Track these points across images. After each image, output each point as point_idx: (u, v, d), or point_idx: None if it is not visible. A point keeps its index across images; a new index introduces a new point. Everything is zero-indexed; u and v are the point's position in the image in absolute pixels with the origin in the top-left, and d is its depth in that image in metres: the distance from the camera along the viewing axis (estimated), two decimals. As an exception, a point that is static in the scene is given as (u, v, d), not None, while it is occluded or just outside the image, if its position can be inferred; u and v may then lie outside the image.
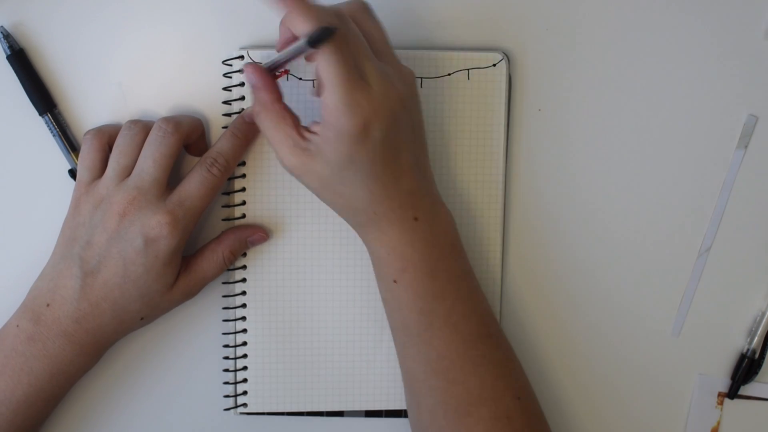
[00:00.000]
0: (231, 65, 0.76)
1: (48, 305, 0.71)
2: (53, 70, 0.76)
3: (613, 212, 0.80)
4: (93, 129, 0.75)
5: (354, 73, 0.65)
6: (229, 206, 0.77)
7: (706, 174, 0.80)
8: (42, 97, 0.76)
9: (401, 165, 0.69)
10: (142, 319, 0.73)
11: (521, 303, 0.81)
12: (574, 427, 0.83)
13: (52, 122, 0.76)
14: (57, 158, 0.77)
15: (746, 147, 0.80)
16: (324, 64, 0.64)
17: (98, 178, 0.73)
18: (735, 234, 0.81)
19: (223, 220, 0.77)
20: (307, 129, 0.68)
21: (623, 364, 0.82)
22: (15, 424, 0.71)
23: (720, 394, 0.83)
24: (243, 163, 0.77)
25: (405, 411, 0.80)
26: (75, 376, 0.73)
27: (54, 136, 0.76)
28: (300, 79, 0.76)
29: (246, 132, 0.75)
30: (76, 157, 0.76)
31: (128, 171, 0.72)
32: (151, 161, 0.71)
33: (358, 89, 0.65)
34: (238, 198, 0.77)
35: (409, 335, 0.71)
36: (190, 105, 0.77)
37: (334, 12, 0.65)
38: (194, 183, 0.72)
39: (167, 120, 0.72)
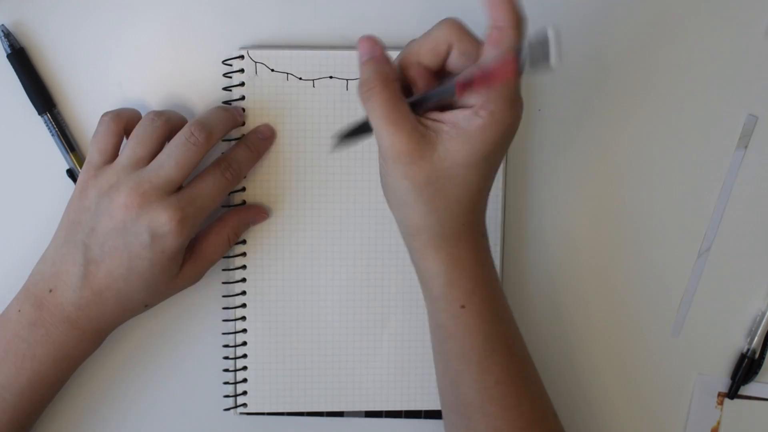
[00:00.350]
0: (231, 65, 0.76)
1: (51, 291, 0.70)
2: (53, 70, 0.76)
3: (613, 212, 0.80)
4: (111, 111, 0.73)
5: None
6: (229, 206, 0.77)
7: (706, 174, 0.80)
8: (41, 96, 0.76)
9: (492, 181, 0.66)
10: (146, 306, 0.73)
11: (520, 302, 0.81)
12: (575, 427, 0.83)
13: (51, 122, 0.76)
14: (55, 158, 0.77)
15: (746, 147, 0.80)
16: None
17: (109, 163, 0.71)
18: (735, 234, 0.81)
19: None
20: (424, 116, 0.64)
21: (623, 364, 0.82)
22: (19, 408, 0.71)
23: (720, 394, 0.83)
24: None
25: (404, 412, 0.80)
26: (78, 361, 0.72)
27: (53, 135, 0.76)
28: (300, 79, 0.76)
29: (259, 147, 0.75)
30: (75, 157, 0.76)
31: (143, 162, 0.70)
32: (173, 162, 0.69)
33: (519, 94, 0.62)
34: (237, 198, 0.77)
35: (469, 363, 0.68)
36: (190, 105, 0.77)
37: None
38: (207, 184, 0.71)
39: (201, 128, 0.70)
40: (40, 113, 0.76)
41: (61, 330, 0.70)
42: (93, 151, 0.72)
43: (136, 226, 0.68)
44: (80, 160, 0.77)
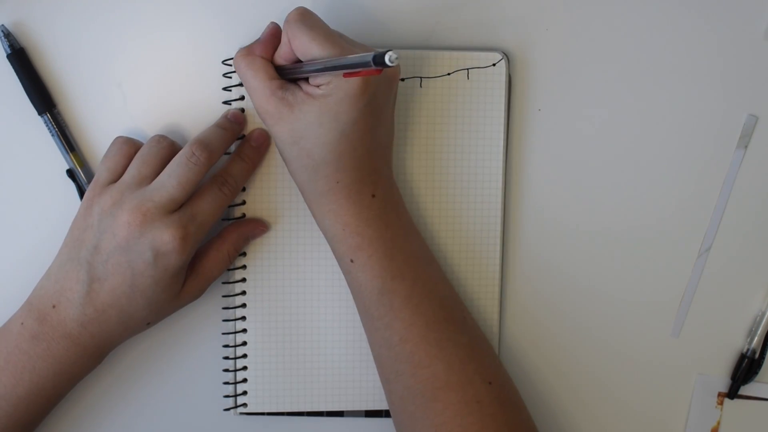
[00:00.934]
0: (231, 65, 0.76)
1: (54, 306, 0.71)
2: (53, 70, 0.76)
3: (613, 212, 0.80)
4: (125, 136, 0.75)
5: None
6: (229, 206, 0.77)
7: (706, 174, 0.80)
8: (41, 96, 0.76)
9: (376, 139, 0.70)
10: (148, 324, 0.73)
11: (521, 302, 0.81)
12: (575, 427, 0.83)
13: (51, 122, 0.76)
14: (56, 158, 0.77)
15: (746, 147, 0.80)
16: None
17: (115, 182, 0.72)
18: (735, 234, 0.81)
19: (224, 219, 0.77)
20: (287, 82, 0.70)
21: (623, 364, 0.82)
22: (14, 418, 0.71)
23: (720, 394, 0.83)
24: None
25: (405, 411, 0.81)
26: (78, 377, 0.73)
27: (53, 135, 0.76)
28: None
29: (252, 156, 0.76)
30: (75, 157, 0.76)
31: (146, 181, 0.71)
32: (175, 181, 0.70)
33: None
34: (237, 198, 0.77)
35: (372, 319, 0.72)
36: (190, 105, 0.77)
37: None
38: (207, 200, 0.72)
39: (202, 148, 0.71)
40: (40, 113, 0.76)
41: (62, 345, 0.70)
42: (102, 169, 0.73)
43: (139, 244, 0.69)
44: (80, 160, 0.77)
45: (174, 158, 0.71)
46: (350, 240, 0.71)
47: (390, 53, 0.56)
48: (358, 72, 0.61)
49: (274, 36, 0.72)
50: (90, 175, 0.77)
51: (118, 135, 0.75)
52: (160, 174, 0.71)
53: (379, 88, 0.69)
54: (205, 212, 0.71)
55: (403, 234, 0.72)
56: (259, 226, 0.77)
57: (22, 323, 0.71)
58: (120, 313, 0.71)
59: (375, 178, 0.71)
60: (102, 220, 0.70)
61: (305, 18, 0.68)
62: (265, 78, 0.70)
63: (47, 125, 0.76)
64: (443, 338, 0.71)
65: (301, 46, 0.67)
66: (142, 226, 0.69)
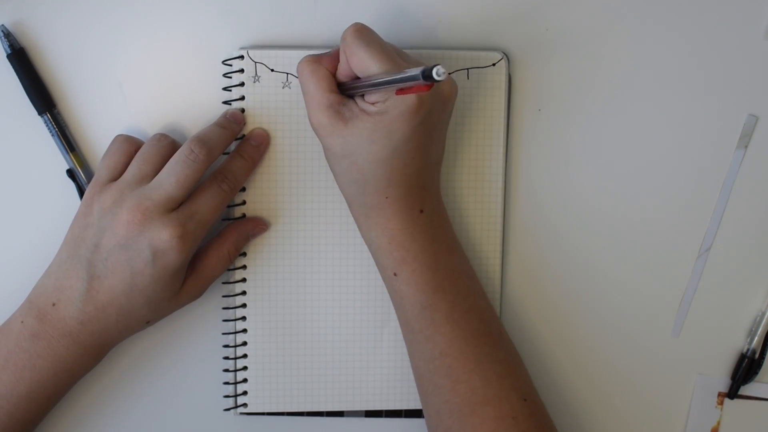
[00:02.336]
0: (231, 65, 0.76)
1: (54, 304, 0.71)
2: (53, 70, 0.76)
3: (613, 212, 0.80)
4: (125, 134, 0.75)
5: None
6: (229, 206, 0.77)
7: (706, 174, 0.80)
8: (41, 96, 0.76)
9: (427, 156, 0.70)
10: (148, 322, 0.73)
11: (521, 303, 0.81)
12: (575, 427, 0.83)
13: (51, 122, 0.76)
14: (56, 158, 0.77)
15: (746, 147, 0.80)
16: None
17: (115, 180, 0.72)
18: (735, 234, 0.81)
19: (224, 219, 0.77)
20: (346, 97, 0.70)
21: (623, 364, 0.82)
22: (15, 417, 0.71)
23: (720, 394, 0.83)
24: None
25: (404, 411, 0.81)
26: (78, 375, 0.73)
27: (53, 135, 0.76)
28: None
29: (252, 155, 0.76)
30: (75, 157, 0.76)
31: (147, 179, 0.71)
32: (174, 179, 0.70)
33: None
34: (238, 198, 0.77)
35: (413, 332, 0.72)
36: (190, 105, 0.77)
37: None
38: (206, 198, 0.72)
39: (201, 145, 0.71)
40: (40, 113, 0.76)
41: (62, 343, 0.71)
42: (102, 168, 0.73)
43: (138, 242, 0.69)
44: (80, 160, 0.77)
45: (173, 157, 0.71)
46: (395, 253, 0.71)
47: (437, 67, 0.55)
48: (410, 89, 0.61)
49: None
50: (90, 175, 0.77)
51: (118, 133, 0.75)
52: (160, 172, 0.71)
53: (434, 106, 0.68)
54: (204, 211, 0.71)
55: (446, 249, 0.73)
56: (259, 225, 0.77)
57: (22, 321, 0.71)
58: (119, 311, 0.71)
59: (423, 194, 0.71)
60: (102, 219, 0.70)
61: (362, 34, 0.68)
62: (325, 89, 0.69)
63: (47, 125, 0.76)
64: (482, 353, 0.72)
65: (359, 62, 0.67)
66: (142, 225, 0.69)
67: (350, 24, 0.68)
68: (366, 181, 0.70)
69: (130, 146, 0.74)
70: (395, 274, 0.71)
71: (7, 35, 0.75)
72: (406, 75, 0.60)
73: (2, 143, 0.77)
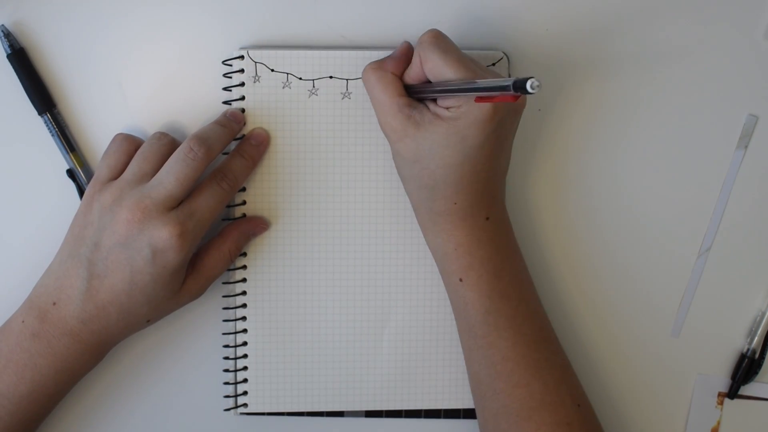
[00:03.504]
0: (231, 65, 0.76)
1: (54, 304, 0.71)
2: (53, 70, 0.76)
3: (613, 212, 0.80)
4: (125, 133, 0.75)
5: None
6: (229, 206, 0.77)
7: (706, 174, 0.80)
8: (41, 96, 0.76)
9: (497, 165, 0.71)
10: (148, 321, 0.73)
11: (521, 303, 0.81)
12: (574, 427, 0.83)
13: (51, 122, 0.76)
14: (56, 158, 0.77)
15: (746, 147, 0.80)
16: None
17: (115, 179, 0.72)
18: (735, 234, 0.81)
19: (224, 219, 0.77)
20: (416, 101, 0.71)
21: (623, 364, 0.82)
22: (17, 417, 0.71)
23: (720, 394, 0.83)
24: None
25: (405, 411, 0.80)
26: (79, 374, 0.73)
27: (53, 135, 0.76)
28: (300, 79, 0.76)
29: (252, 154, 0.76)
30: (75, 157, 0.76)
31: (147, 177, 0.71)
32: (173, 178, 0.70)
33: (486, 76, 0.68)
34: (238, 198, 0.77)
35: (475, 337, 0.73)
36: (190, 105, 0.77)
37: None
38: (205, 197, 0.72)
39: (200, 143, 0.71)
40: (40, 113, 0.76)
41: (63, 343, 0.71)
42: (102, 167, 0.73)
43: (137, 241, 0.69)
44: (80, 161, 0.77)
45: (172, 155, 0.71)
46: (462, 260, 0.72)
47: (532, 80, 0.55)
48: (492, 97, 0.61)
49: (406, 55, 0.73)
50: (90, 175, 0.77)
51: (118, 132, 0.75)
52: (159, 171, 0.71)
53: (507, 116, 0.69)
54: (203, 209, 0.71)
55: (510, 256, 0.74)
56: (260, 224, 0.77)
57: (22, 321, 0.71)
58: (120, 310, 0.71)
59: (490, 202, 0.72)
60: (102, 217, 0.70)
61: (439, 41, 0.69)
62: (394, 94, 0.70)
63: (47, 125, 0.76)
64: (541, 358, 0.73)
65: (435, 68, 0.68)
66: (141, 223, 0.69)
67: (427, 29, 0.70)
68: (435, 187, 0.70)
69: (130, 145, 0.74)
70: (461, 280, 0.72)
71: (7, 35, 0.75)
72: (495, 83, 0.60)
73: (2, 143, 0.77)
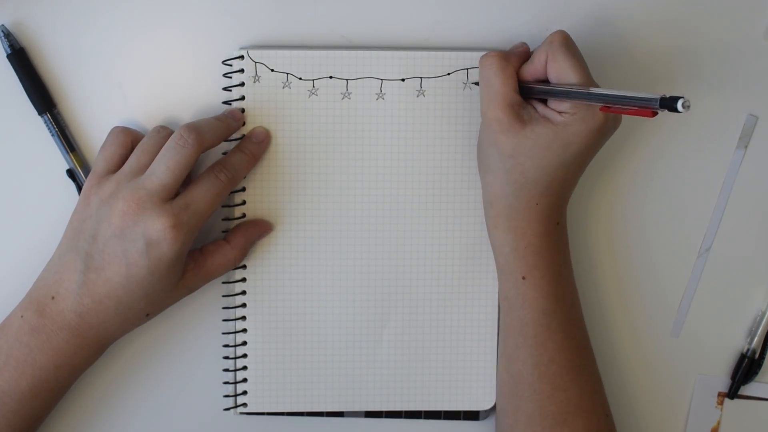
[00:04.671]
0: (231, 65, 0.76)
1: (53, 297, 0.71)
2: (53, 70, 0.76)
3: (612, 212, 0.80)
4: (122, 126, 0.75)
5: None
6: (229, 206, 0.77)
7: (706, 174, 0.80)
8: (41, 96, 0.76)
9: (579, 175, 0.74)
10: (147, 315, 0.73)
11: (521, 303, 0.81)
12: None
13: (51, 122, 0.76)
14: (56, 158, 0.77)
15: (746, 147, 0.80)
16: None
17: (113, 172, 0.72)
18: (735, 234, 0.81)
19: (223, 219, 0.77)
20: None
21: (623, 364, 0.82)
22: (20, 414, 0.71)
23: (720, 394, 0.83)
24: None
25: (404, 412, 0.80)
26: (79, 369, 0.73)
27: (53, 135, 0.76)
28: (300, 79, 0.76)
29: (254, 150, 0.75)
30: (75, 157, 0.76)
31: (144, 170, 0.71)
32: (164, 167, 0.70)
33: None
34: (238, 198, 0.77)
35: (525, 336, 0.74)
36: (190, 105, 0.77)
37: None
38: (202, 188, 0.71)
39: (189, 130, 0.71)
40: (40, 113, 0.76)
41: (61, 337, 0.70)
42: (99, 160, 0.73)
43: (132, 233, 0.69)
44: (80, 160, 0.77)
45: (164, 145, 0.71)
46: (529, 258, 0.73)
47: (684, 99, 0.55)
48: (626, 110, 0.62)
49: (525, 54, 0.74)
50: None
51: (114, 125, 0.75)
52: (152, 162, 0.71)
53: (609, 131, 0.71)
54: (199, 201, 0.71)
55: (567, 262, 0.76)
56: (264, 228, 0.77)
57: (22, 316, 0.71)
58: (118, 303, 0.70)
59: (564, 208, 0.75)
60: (99, 210, 0.70)
61: (569, 43, 0.70)
62: (510, 87, 0.71)
63: (47, 125, 0.76)
64: (582, 365, 0.75)
65: (560, 69, 0.69)
66: (136, 214, 0.69)
67: (558, 30, 0.71)
68: (525, 184, 0.71)
69: (126, 138, 0.74)
70: (524, 278, 0.73)
71: (7, 35, 0.75)
72: (639, 96, 0.61)
73: (2, 143, 0.77)
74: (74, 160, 0.76)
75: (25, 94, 0.76)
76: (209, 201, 0.71)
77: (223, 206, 0.77)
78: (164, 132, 0.73)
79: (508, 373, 0.76)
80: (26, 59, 0.76)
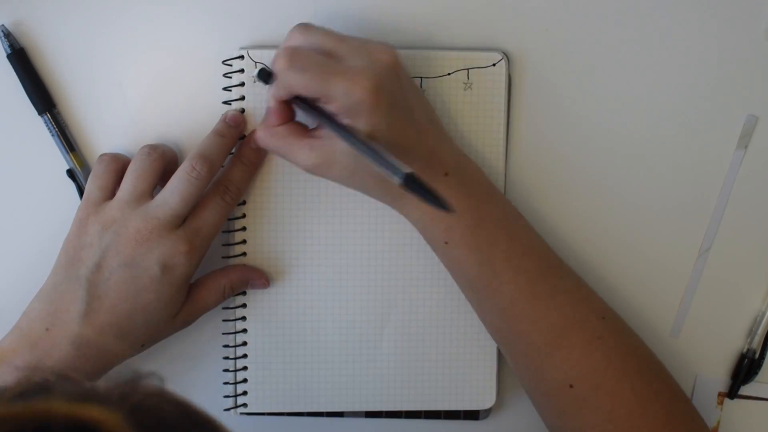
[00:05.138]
0: (231, 65, 0.76)
1: (47, 329, 0.70)
2: (53, 70, 0.76)
3: (613, 212, 0.80)
4: (110, 153, 0.75)
5: (331, 64, 0.68)
6: (229, 244, 0.77)
7: (706, 174, 0.80)
8: (41, 96, 0.76)
9: (417, 123, 0.71)
10: (143, 345, 0.73)
11: (521, 303, 0.81)
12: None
13: (51, 122, 0.76)
14: (56, 158, 0.77)
15: (746, 147, 0.80)
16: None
17: (108, 199, 0.72)
18: (735, 234, 0.81)
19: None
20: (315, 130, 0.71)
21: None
22: None
23: (720, 394, 0.83)
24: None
25: (405, 412, 0.80)
26: None
27: (53, 135, 0.76)
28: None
29: (253, 158, 0.75)
30: (75, 157, 0.76)
31: (144, 196, 0.71)
32: (178, 198, 0.70)
33: (340, 71, 0.67)
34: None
35: (477, 290, 0.74)
36: (190, 105, 0.77)
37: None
38: (210, 211, 0.72)
39: (202, 161, 0.71)
40: (40, 113, 0.76)
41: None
42: (92, 188, 0.73)
43: (146, 260, 0.69)
44: (80, 160, 0.77)
45: (175, 173, 0.71)
46: (439, 224, 0.72)
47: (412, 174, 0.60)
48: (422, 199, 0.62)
49: (281, 109, 0.72)
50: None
51: (102, 153, 0.76)
52: (163, 190, 0.71)
53: (385, 81, 0.68)
54: (209, 224, 0.72)
55: (486, 199, 0.73)
56: (262, 279, 0.77)
57: (13, 350, 0.69)
58: (118, 332, 0.70)
59: (440, 157, 0.71)
60: (103, 238, 0.70)
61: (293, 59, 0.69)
62: (300, 144, 0.71)
63: (47, 125, 0.76)
64: (550, 287, 0.73)
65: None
66: (150, 242, 0.69)
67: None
68: (381, 182, 0.70)
69: (117, 164, 0.74)
70: (446, 243, 0.72)
71: (7, 35, 0.75)
72: (388, 161, 0.63)
73: (2, 143, 0.77)
74: (74, 160, 0.77)
75: (25, 94, 0.76)
76: (217, 223, 0.73)
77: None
78: (155, 153, 0.73)
79: (487, 328, 0.76)
80: (26, 59, 0.76)
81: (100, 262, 0.70)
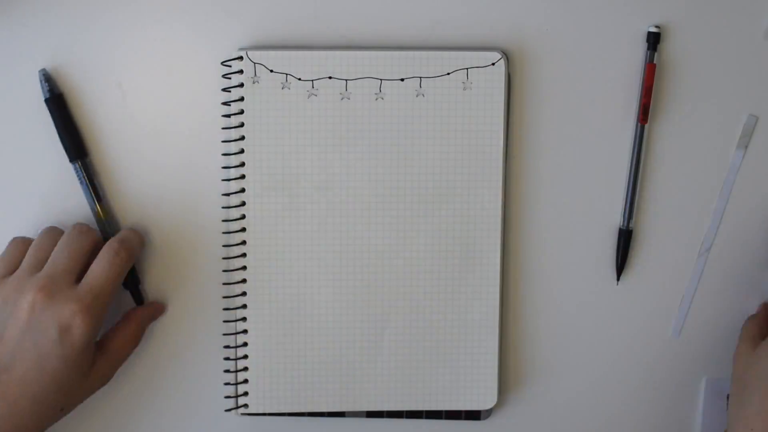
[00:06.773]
0: (230, 66, 0.76)
1: None
2: (53, 70, 0.77)
3: (613, 212, 0.80)
4: (21, 236, 0.76)
5: None
6: (229, 207, 0.77)
7: (706, 174, 0.80)
8: (75, 144, 0.76)
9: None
10: (62, 410, 0.72)
11: (522, 302, 0.81)
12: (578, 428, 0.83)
13: (81, 170, 0.76)
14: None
15: (746, 147, 0.80)
16: None
17: (11, 274, 0.73)
18: (735, 234, 0.81)
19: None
20: None
21: (623, 365, 0.82)
22: None
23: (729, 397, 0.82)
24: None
25: (406, 412, 0.81)
26: None
27: (81, 184, 0.77)
28: (299, 79, 0.76)
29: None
30: (101, 207, 0.77)
31: (42, 264, 0.72)
32: (66, 253, 0.71)
33: None
34: (237, 199, 0.77)
35: None
36: (190, 106, 0.77)
37: None
38: (102, 269, 0.72)
39: (82, 223, 0.74)
40: (71, 160, 0.76)
41: None
42: None
43: (42, 323, 0.69)
44: (106, 211, 0.77)
45: (60, 238, 0.73)
46: None
47: None
48: None
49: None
50: (112, 225, 0.78)
51: (14, 236, 0.76)
52: (52, 252, 0.72)
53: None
54: (103, 282, 0.72)
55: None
56: (158, 309, 0.78)
57: None
58: (33, 401, 0.69)
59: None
60: (3, 311, 0.70)
61: None
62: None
63: (77, 173, 0.76)
64: None
65: None
66: (44, 304, 0.69)
67: None
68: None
69: (24, 245, 0.74)
70: None
71: (48, 79, 0.75)
72: None
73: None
74: (100, 211, 0.77)
75: (59, 139, 0.77)
76: (112, 280, 0.72)
77: (222, 207, 0.78)
78: (55, 231, 0.74)
79: None
80: (64, 104, 0.76)
81: (2, 335, 0.69)
